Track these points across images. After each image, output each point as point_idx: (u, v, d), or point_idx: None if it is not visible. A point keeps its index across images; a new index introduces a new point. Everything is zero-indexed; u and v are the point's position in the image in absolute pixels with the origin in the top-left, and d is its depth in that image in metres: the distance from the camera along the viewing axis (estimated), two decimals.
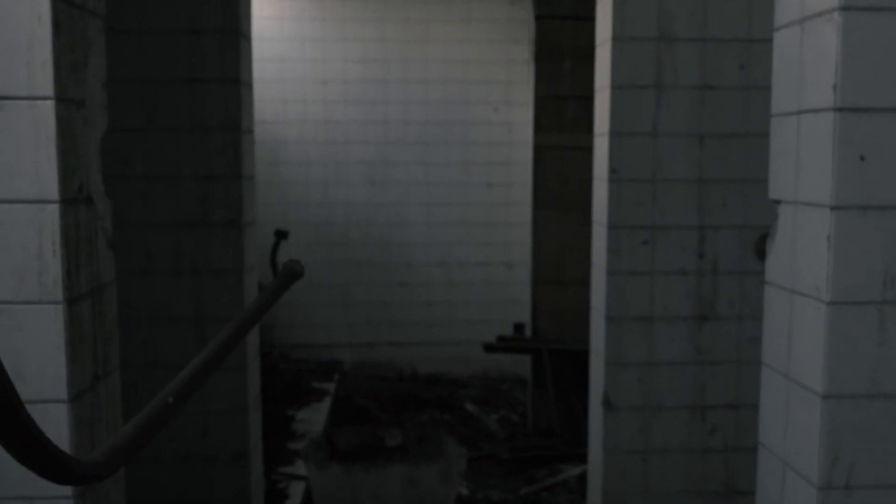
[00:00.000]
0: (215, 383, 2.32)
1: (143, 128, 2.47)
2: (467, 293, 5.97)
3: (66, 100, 1.29)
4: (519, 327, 5.95)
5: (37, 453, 0.86)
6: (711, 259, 2.63)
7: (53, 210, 1.24)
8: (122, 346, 2.55)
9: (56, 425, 1.24)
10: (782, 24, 1.40)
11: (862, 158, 1.23)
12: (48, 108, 1.24)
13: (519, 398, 5.48)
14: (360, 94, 5.81)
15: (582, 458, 4.35)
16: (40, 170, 1.24)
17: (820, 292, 1.27)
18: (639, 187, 2.58)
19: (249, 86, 2.63)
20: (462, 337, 5.98)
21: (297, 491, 3.76)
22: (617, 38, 2.54)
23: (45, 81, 1.24)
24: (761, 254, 2.60)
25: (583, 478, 4.16)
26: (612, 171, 2.57)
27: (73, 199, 1.28)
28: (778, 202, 1.40)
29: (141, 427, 1.09)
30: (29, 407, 0.84)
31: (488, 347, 4.70)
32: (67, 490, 1.24)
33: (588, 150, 5.02)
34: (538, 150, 4.83)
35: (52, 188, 1.24)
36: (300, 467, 4.01)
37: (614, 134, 2.57)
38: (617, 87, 2.55)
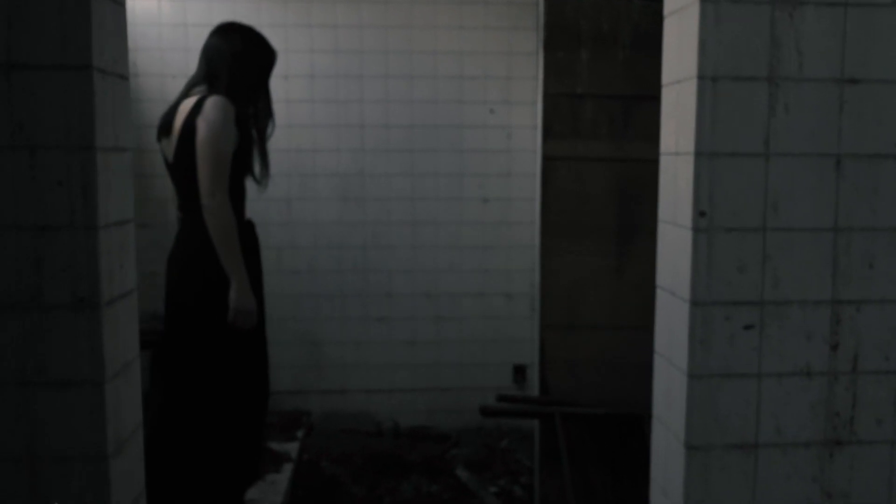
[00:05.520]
0: None
1: None
2: (459, 330, 4.99)
3: None
4: (520, 370, 5.00)
5: None
6: (850, 352, 1.67)
7: None
8: None
9: None
10: None
11: None
12: None
13: (522, 462, 4.51)
14: (331, 92, 4.83)
15: None
16: None
17: None
18: (742, 240, 1.62)
19: (121, 77, 1.66)
20: (452, 383, 5.00)
21: None
22: (708, 0, 1.57)
23: None
24: None
25: None
26: (700, 214, 1.60)
27: None
28: None
29: None
30: None
31: (486, 411, 3.74)
32: None
33: (611, 162, 4.08)
34: (548, 161, 3.86)
35: None
36: None
37: (703, 155, 1.60)
38: (708, 79, 1.58)
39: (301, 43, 4.77)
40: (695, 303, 1.62)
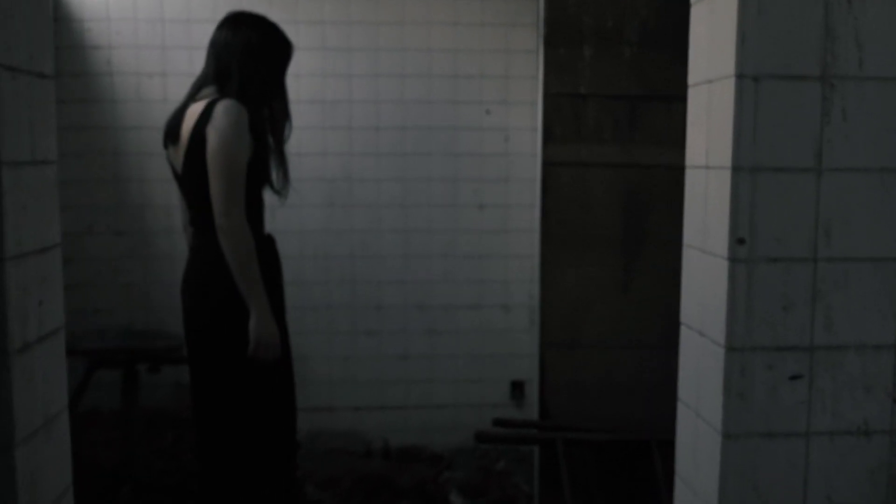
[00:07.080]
0: None
1: None
2: (453, 344, 4.71)
3: None
4: (518, 386, 4.74)
5: None
6: None
7: None
8: None
9: None
10: None
11: None
12: None
13: (520, 486, 4.24)
14: (317, 92, 4.55)
15: None
16: None
17: None
18: (788, 273, 1.35)
19: (40, 76, 1.38)
20: (446, 400, 4.73)
21: None
22: None
23: None
24: None
25: None
26: (738, 241, 1.33)
27: None
28: None
29: None
30: None
31: (482, 437, 3.47)
32: None
33: (616, 167, 3.80)
34: (549, 166, 3.59)
35: None
36: None
37: (742, 169, 1.32)
38: (748, 79, 1.31)
39: None
40: (731, 348, 1.35)
